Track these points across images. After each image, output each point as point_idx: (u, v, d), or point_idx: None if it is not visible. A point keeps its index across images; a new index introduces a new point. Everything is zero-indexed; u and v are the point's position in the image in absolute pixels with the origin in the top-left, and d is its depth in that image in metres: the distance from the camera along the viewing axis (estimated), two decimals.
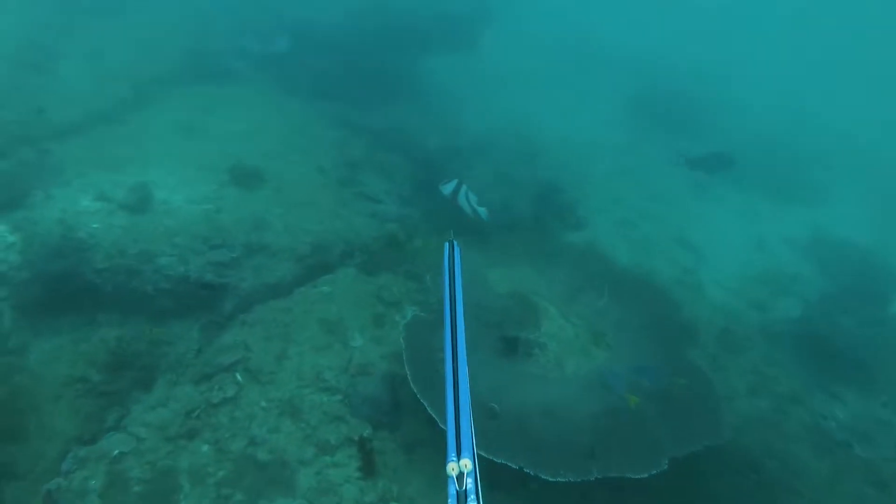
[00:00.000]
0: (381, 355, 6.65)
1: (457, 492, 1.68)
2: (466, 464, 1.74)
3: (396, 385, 6.22)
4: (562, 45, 19.41)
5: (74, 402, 6.13)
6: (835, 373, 8.25)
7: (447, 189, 8.35)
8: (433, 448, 5.78)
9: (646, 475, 5.06)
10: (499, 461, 4.92)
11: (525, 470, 4.92)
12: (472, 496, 1.66)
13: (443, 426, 1.99)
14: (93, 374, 6.29)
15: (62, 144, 8.71)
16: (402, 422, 6.00)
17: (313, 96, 11.94)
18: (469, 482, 1.70)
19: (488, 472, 3.52)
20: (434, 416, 5.29)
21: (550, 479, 4.90)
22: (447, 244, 2.73)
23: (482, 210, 8.28)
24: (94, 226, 7.32)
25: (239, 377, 6.08)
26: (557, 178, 12.00)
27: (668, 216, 12.34)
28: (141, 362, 6.50)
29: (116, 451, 5.27)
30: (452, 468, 1.73)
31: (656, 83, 17.95)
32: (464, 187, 8.17)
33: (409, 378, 5.66)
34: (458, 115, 13.39)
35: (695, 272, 10.83)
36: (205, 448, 5.45)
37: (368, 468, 5.46)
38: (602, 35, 20.85)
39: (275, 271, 7.52)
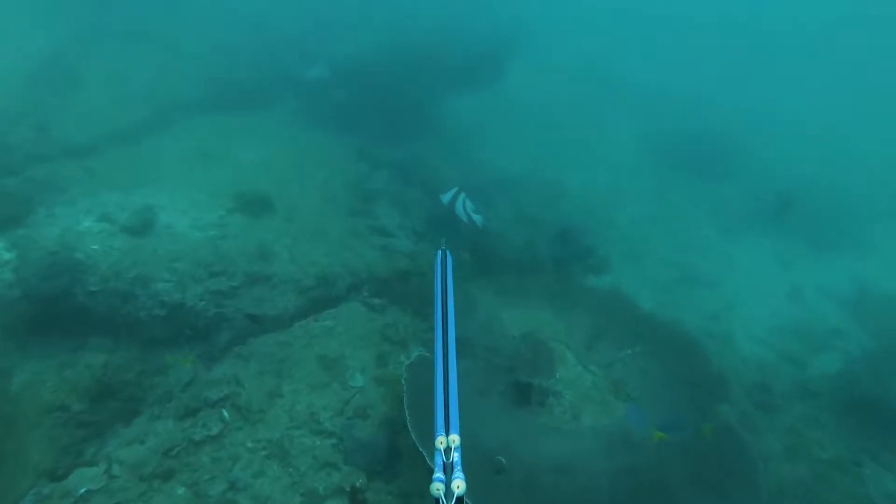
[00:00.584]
0: (381, 398, 6.15)
1: (443, 462, 1.92)
2: (454, 439, 1.97)
3: (396, 431, 5.69)
4: (587, 82, 19.19)
5: (52, 431, 5.72)
6: (885, 439, 7.45)
7: (446, 198, 8.13)
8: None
9: None
10: None
11: None
12: (458, 467, 1.88)
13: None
14: (74, 402, 5.88)
15: (74, 163, 8.59)
16: (400, 472, 5.45)
17: (336, 129, 11.79)
18: (455, 456, 1.92)
19: None
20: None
21: None
22: (439, 252, 2.85)
23: (477, 217, 8.13)
24: (94, 247, 7.05)
25: (226, 414, 5.63)
26: (580, 221, 11.55)
27: (695, 263, 11.75)
28: (127, 392, 6.11)
29: (83, 490, 4.82)
30: (441, 442, 1.98)
31: (683, 122, 17.53)
32: (462, 195, 8.03)
33: (409, 424, 5.14)
34: (481, 151, 13.12)
35: (724, 321, 10.21)
36: (180, 491, 4.96)
37: None
38: (627, 72, 20.58)
39: (276, 303, 7.12)
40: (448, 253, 2.88)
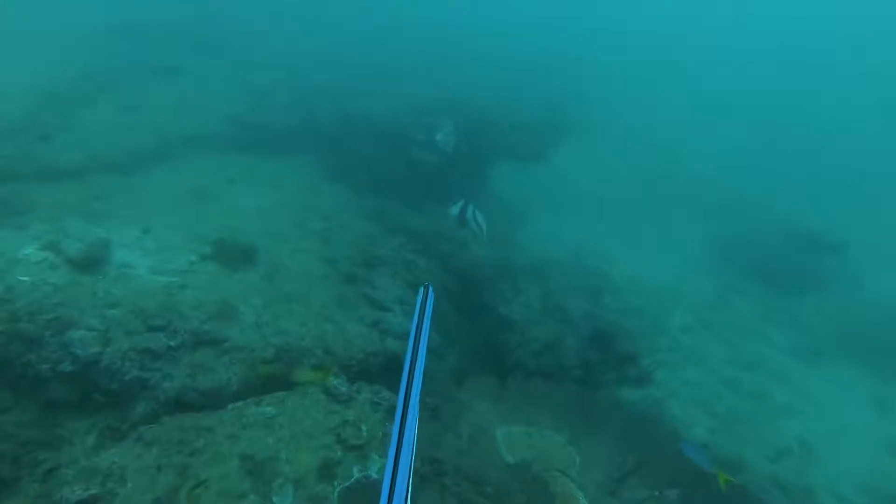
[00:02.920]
0: None
1: None
2: None
3: None
4: (647, 168, 17.71)
5: None
6: None
7: (454, 210, 7.65)
8: None
9: None
10: None
11: None
12: None
13: None
14: None
15: (49, 185, 7.72)
16: None
17: (356, 184, 10.71)
18: None
19: None
20: None
21: None
22: (422, 288, 2.61)
23: (483, 226, 7.68)
24: (22, 278, 5.90)
25: None
26: (622, 322, 9.80)
27: (765, 389, 9.71)
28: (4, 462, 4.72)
29: None
30: None
31: (749, 217, 15.61)
32: (471, 206, 7.63)
33: None
34: (516, 229, 11.71)
35: (800, 468, 8.06)
36: None
37: None
38: (695, 160, 18.98)
39: (217, 374, 5.68)
40: (430, 290, 2.63)
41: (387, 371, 6.67)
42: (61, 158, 8.19)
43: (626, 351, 8.54)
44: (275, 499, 4.62)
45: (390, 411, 5.88)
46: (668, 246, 14.28)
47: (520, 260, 10.57)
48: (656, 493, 5.87)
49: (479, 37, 19.07)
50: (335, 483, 4.86)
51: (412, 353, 2.18)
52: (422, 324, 2.39)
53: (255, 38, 14.88)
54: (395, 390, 5.83)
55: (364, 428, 5.47)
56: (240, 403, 5.40)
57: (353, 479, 4.39)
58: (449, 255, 9.49)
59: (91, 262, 6.37)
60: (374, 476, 4.57)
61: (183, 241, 7.41)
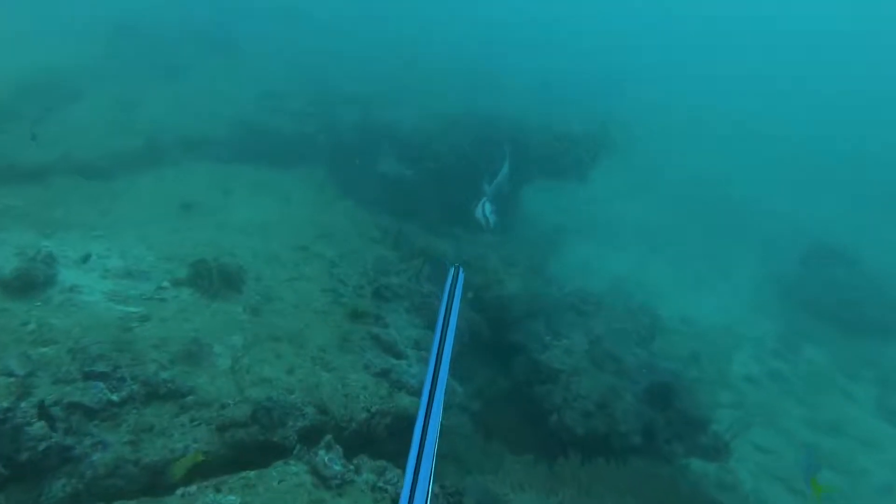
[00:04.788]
0: None
1: None
2: None
3: None
4: (691, 195, 16.09)
5: None
6: None
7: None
8: None
9: None
10: None
11: None
12: None
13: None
14: None
15: (5, 187, 6.46)
16: None
17: (373, 202, 9.37)
18: None
19: None
20: None
21: None
22: (452, 268, 2.80)
23: (492, 217, 7.53)
24: None
25: None
26: (680, 371, 8.23)
27: (854, 459, 7.99)
28: None
29: None
30: None
31: (816, 252, 13.86)
32: (486, 202, 7.63)
33: None
34: (553, 259, 10.21)
35: None
36: None
37: None
38: (745, 189, 17.30)
39: (170, 441, 4.26)
40: (461, 269, 2.78)
41: (396, 437, 5.22)
42: (26, 156, 6.96)
43: (691, 412, 6.93)
44: None
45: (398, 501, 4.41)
46: (720, 280, 12.65)
47: (557, 295, 9.06)
48: None
49: (511, 49, 17.86)
50: None
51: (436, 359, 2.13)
52: (451, 306, 2.43)
53: (271, 41, 13.81)
54: (396, 474, 4.41)
55: None
56: (193, 488, 3.95)
57: None
58: (478, 287, 8.04)
59: (28, 284, 5.07)
60: None
61: (156, 260, 6.09)
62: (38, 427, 3.95)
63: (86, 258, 5.71)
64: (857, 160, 22.55)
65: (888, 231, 17.09)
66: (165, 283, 5.77)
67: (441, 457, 5.64)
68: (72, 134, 7.72)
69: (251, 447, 4.48)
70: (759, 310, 11.91)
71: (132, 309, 5.30)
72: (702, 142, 20.41)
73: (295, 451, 4.46)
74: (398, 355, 5.91)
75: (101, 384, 4.38)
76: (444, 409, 1.94)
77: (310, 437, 4.76)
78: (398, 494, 4.33)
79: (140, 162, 7.79)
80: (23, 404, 4.03)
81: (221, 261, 6.16)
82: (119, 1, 13.45)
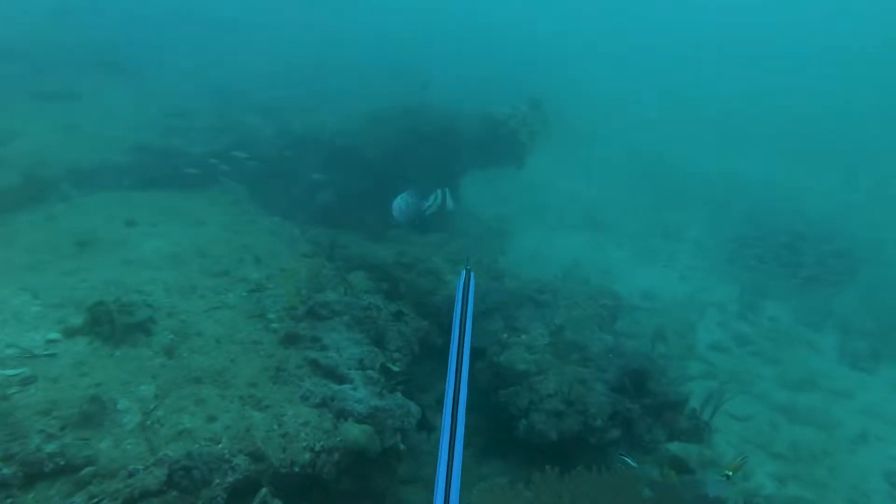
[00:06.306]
0: None
1: None
2: None
3: None
4: (630, 168, 15.89)
5: None
6: None
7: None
8: None
9: None
10: None
11: None
12: None
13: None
14: None
15: None
16: None
17: (302, 215, 8.67)
18: None
19: None
20: None
21: None
22: (463, 271, 2.84)
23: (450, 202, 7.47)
24: None
25: None
26: (648, 353, 7.82)
27: (829, 412, 7.82)
28: None
29: None
30: None
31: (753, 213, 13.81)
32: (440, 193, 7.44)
33: None
34: (506, 251, 9.70)
35: None
36: None
37: None
38: (681, 156, 17.23)
39: None
40: (472, 274, 2.77)
41: (349, 475, 4.55)
42: None
43: (666, 394, 6.49)
44: None
45: None
46: (673, 251, 12.43)
47: (510, 288, 8.53)
48: None
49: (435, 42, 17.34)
50: None
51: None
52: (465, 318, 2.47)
53: (176, 58, 12.78)
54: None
55: None
56: None
57: None
58: (425, 291, 7.42)
59: None
60: None
61: (43, 309, 5.21)
62: None
63: None
64: (778, 117, 23.08)
65: (816, 179, 17.44)
66: (55, 335, 4.91)
67: (406, 482, 4.90)
68: None
69: None
70: (716, 274, 11.74)
71: (11, 372, 4.44)
72: (634, 117, 20.41)
73: None
74: (341, 379, 5.22)
75: None
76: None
77: (244, 494, 4.04)
78: None
79: (19, 200, 6.80)
80: None
81: (124, 300, 5.32)
82: None
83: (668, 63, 30.29)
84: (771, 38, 37.58)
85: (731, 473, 5.14)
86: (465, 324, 2.45)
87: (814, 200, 14.80)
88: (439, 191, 7.53)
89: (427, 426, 5.54)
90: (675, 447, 6.34)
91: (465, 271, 2.98)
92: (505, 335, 6.94)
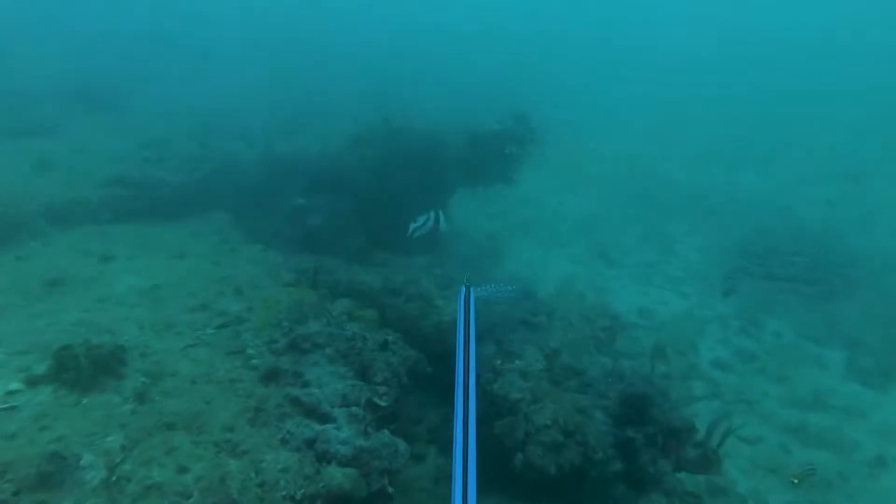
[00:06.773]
0: None
1: None
2: None
3: None
4: (622, 181, 15.61)
5: None
6: None
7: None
8: None
9: None
10: None
11: None
12: None
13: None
14: None
15: None
16: None
17: (285, 242, 8.38)
18: None
19: None
20: None
21: None
22: (463, 287, 2.95)
23: (443, 224, 7.19)
24: None
25: None
26: (649, 375, 7.51)
27: (843, 433, 7.47)
28: None
29: None
30: None
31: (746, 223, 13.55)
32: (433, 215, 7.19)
33: None
34: (491, 270, 9.43)
35: None
36: None
37: None
38: (672, 167, 17.01)
39: None
40: (472, 289, 2.83)
41: None
42: None
43: (671, 421, 6.18)
44: None
45: None
46: (671, 264, 12.17)
47: (502, 311, 8.23)
48: None
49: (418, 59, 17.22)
50: None
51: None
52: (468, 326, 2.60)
53: (154, 87, 12.58)
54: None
55: None
56: None
57: None
58: (413, 317, 7.14)
59: None
60: None
61: (6, 357, 4.91)
62: None
63: None
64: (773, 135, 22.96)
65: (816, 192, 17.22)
66: (16, 385, 4.60)
67: None
68: None
69: None
70: (715, 287, 11.48)
71: None
72: (622, 129, 20.28)
73: None
74: (323, 418, 4.91)
75: None
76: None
77: None
78: None
79: None
80: None
81: (96, 343, 5.03)
82: None
83: (663, 69, 30.31)
84: (771, 38, 37.76)
85: (796, 481, 5.47)
86: (468, 343, 2.56)
87: (814, 212, 14.57)
88: (432, 212, 7.28)
89: None
90: (683, 477, 6.03)
91: (465, 287, 3.08)
92: (498, 361, 6.64)
